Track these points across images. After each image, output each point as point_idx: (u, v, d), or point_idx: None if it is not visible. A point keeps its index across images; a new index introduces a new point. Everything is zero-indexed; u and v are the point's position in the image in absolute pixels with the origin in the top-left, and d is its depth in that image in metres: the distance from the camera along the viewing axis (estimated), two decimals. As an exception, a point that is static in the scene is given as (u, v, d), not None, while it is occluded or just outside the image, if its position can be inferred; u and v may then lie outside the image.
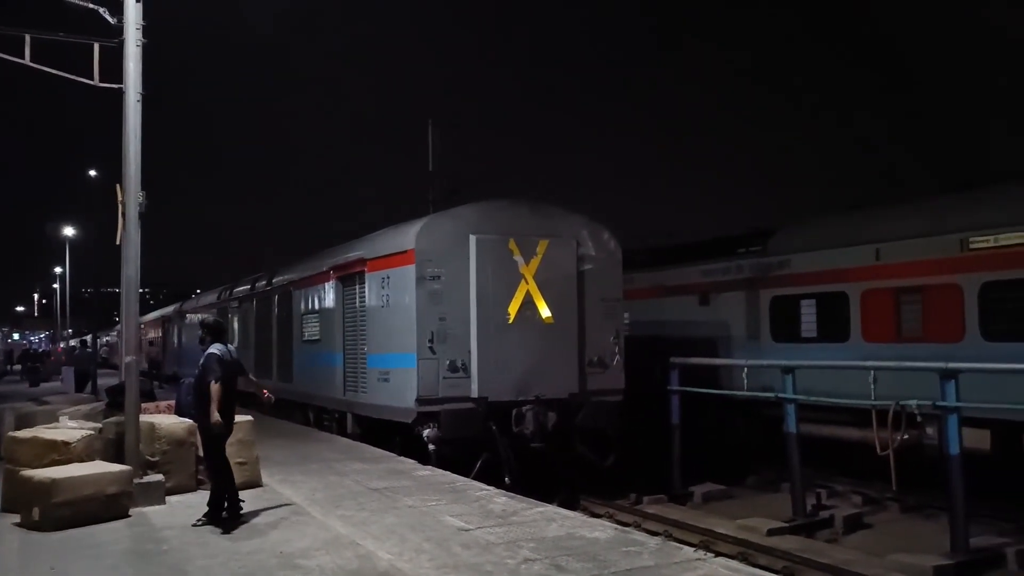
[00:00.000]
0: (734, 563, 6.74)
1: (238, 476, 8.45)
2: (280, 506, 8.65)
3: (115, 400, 10.73)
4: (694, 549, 7.15)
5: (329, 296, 15.41)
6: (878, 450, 9.99)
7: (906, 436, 10.37)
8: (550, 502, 9.94)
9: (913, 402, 9.68)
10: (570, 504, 11.80)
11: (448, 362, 11.88)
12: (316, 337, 16.11)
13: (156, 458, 9.25)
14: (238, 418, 8.71)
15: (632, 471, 13.44)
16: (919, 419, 10.09)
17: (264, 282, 20.40)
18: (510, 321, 12.17)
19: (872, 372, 10.37)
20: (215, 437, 8.06)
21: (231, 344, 8.73)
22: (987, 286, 11.04)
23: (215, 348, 8.20)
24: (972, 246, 11.24)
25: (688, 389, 13.41)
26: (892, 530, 11.16)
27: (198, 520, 7.90)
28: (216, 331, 8.56)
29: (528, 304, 12.30)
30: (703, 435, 14.44)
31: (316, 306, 16.23)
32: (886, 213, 13.28)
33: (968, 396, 9.50)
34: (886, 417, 9.83)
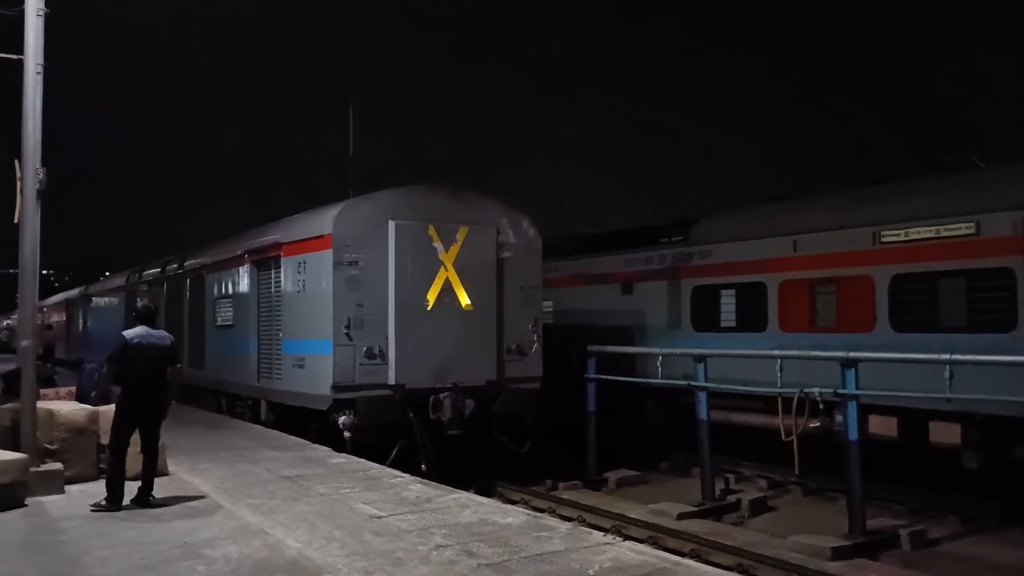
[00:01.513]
0: (641, 546, 6.89)
1: (144, 465, 8.18)
2: (187, 495, 8.41)
3: (11, 386, 10.24)
4: (604, 533, 7.28)
5: (243, 280, 15.04)
6: (783, 436, 10.36)
7: (816, 424, 10.80)
8: (467, 489, 9.96)
9: (816, 390, 10.06)
10: (486, 491, 11.86)
11: (365, 349, 11.75)
12: (229, 322, 15.71)
13: (55, 446, 8.87)
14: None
15: (549, 458, 13.59)
16: (821, 407, 10.50)
17: (175, 265, 19.77)
18: (429, 308, 12.12)
19: (779, 361, 10.75)
20: (117, 422, 7.82)
21: (161, 330, 8.43)
22: (897, 278, 11.51)
23: (127, 331, 7.98)
24: (884, 239, 11.69)
25: (603, 377, 13.61)
26: (794, 512, 11.60)
27: (95, 504, 7.68)
28: (140, 315, 8.33)
29: (447, 291, 12.27)
30: (620, 422, 14.68)
31: (229, 290, 15.82)
32: (804, 205, 13.69)
33: (876, 385, 9.91)
34: (789, 404, 10.20)
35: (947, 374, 8.87)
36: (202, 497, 8.34)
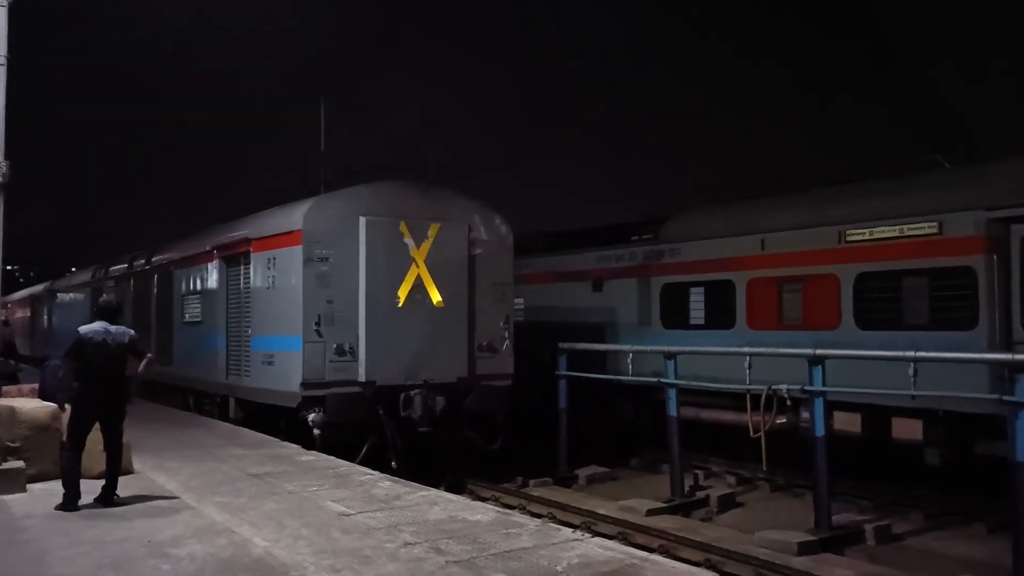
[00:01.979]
0: (609, 542, 6.92)
1: (107, 463, 8.06)
2: (152, 493, 8.30)
3: (-28, 383, 10.05)
4: (572, 530, 7.29)
5: (212, 276, 14.87)
6: (751, 432, 10.47)
7: (783, 420, 10.91)
8: (437, 486, 9.94)
9: (783, 387, 10.17)
10: (457, 488, 11.85)
11: (335, 345, 11.68)
12: (198, 319, 15.53)
13: (17, 444, 8.70)
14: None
15: (520, 455, 13.61)
16: (789, 403, 10.62)
17: (143, 260, 19.50)
18: (400, 305, 12.07)
19: (748, 358, 10.84)
20: (72, 420, 7.70)
21: (121, 325, 8.27)
22: (861, 276, 11.66)
23: (84, 327, 7.87)
24: (849, 238, 11.83)
25: (575, 374, 13.65)
26: (762, 508, 11.73)
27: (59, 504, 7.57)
28: (100, 310, 8.19)
29: (418, 288, 12.23)
30: (591, 419, 14.73)
31: (198, 286, 15.63)
32: (771, 204, 13.82)
33: (841, 381, 10.03)
34: (758, 401, 10.30)
35: (911, 371, 9.00)
36: (168, 496, 8.23)
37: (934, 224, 10.82)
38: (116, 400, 7.95)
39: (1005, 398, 8.31)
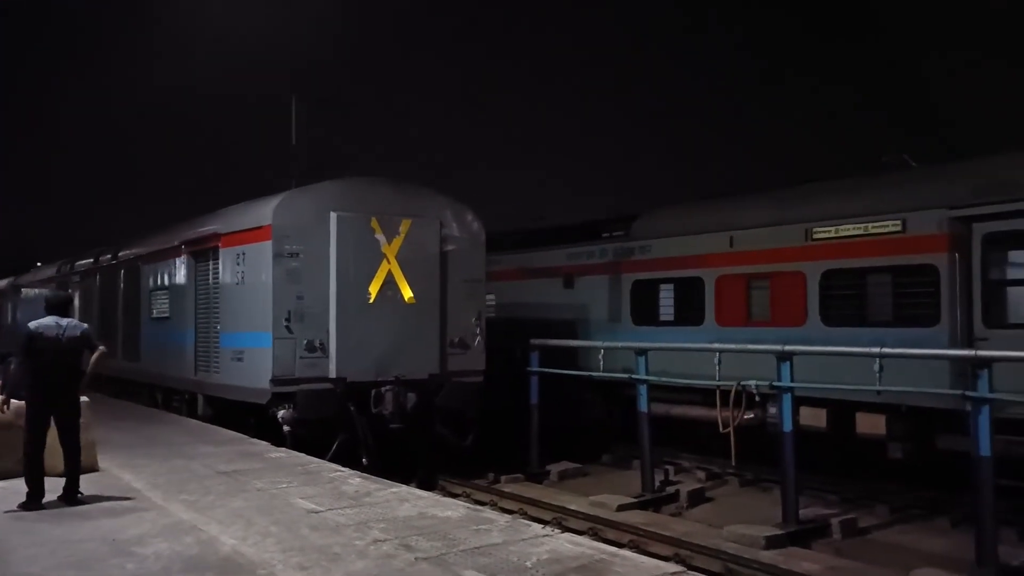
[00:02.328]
0: (579, 538, 6.94)
1: (66, 460, 7.93)
2: (117, 491, 8.19)
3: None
4: (542, 526, 7.32)
5: (180, 272, 14.69)
6: (720, 428, 10.56)
7: (751, 415, 11.02)
8: (408, 483, 9.92)
9: (752, 382, 10.27)
10: (428, 484, 11.82)
11: (305, 342, 11.59)
12: (166, 314, 15.34)
13: (-23, 442, 8.54)
14: (72, 399, 8.17)
15: (491, 451, 13.61)
16: (757, 399, 10.72)
17: (109, 256, 19.22)
18: (371, 301, 12.00)
19: (718, 354, 10.93)
20: (27, 417, 7.58)
21: (72, 319, 8.13)
22: (827, 274, 11.80)
23: (33, 322, 7.75)
24: (815, 236, 11.96)
25: (546, 370, 13.68)
26: (731, 503, 11.83)
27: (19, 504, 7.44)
28: (50, 304, 8.04)
29: (390, 284, 12.17)
30: (562, 415, 14.77)
31: (166, 282, 15.44)
32: (740, 202, 13.93)
33: (807, 377, 10.15)
34: (727, 396, 10.40)
35: (877, 367, 9.13)
36: (134, 494, 8.13)
37: (898, 222, 10.98)
38: (70, 395, 7.81)
39: (968, 393, 8.45)
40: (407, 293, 12.26)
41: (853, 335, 10.93)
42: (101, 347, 8.09)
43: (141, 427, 12.74)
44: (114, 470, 9.27)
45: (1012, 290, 10.08)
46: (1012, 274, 10.12)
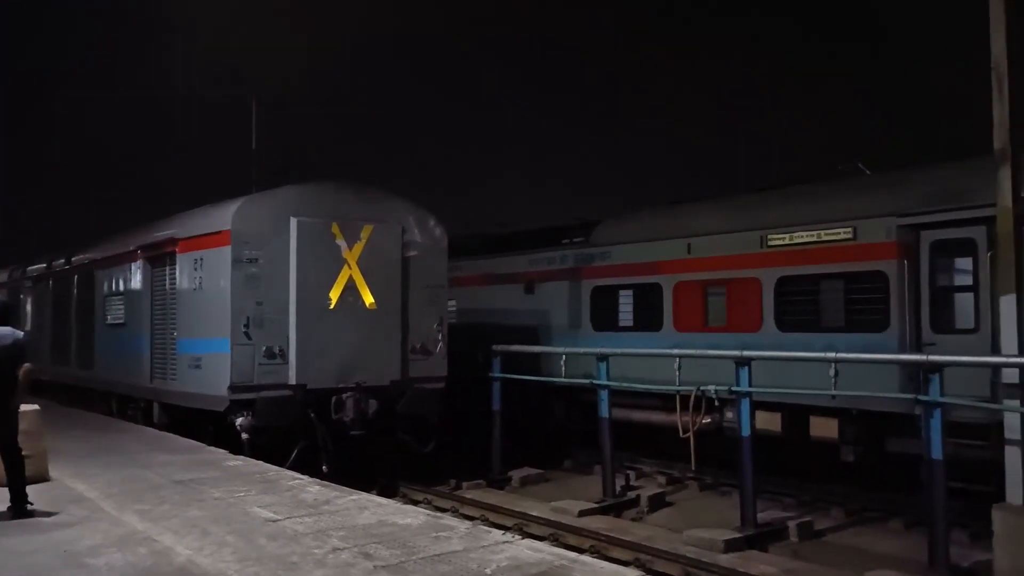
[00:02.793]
0: (539, 544, 6.95)
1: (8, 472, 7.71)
2: (70, 502, 8.02)
3: None
4: (503, 532, 7.31)
5: (136, 277, 14.44)
6: (680, 432, 10.65)
7: (708, 420, 11.13)
8: (369, 490, 9.85)
9: (712, 387, 10.38)
10: (389, 491, 11.76)
11: (265, 348, 11.46)
12: (121, 321, 15.06)
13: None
14: (22, 407, 7.96)
15: (453, 457, 13.57)
16: (717, 403, 10.85)
17: (63, 261, 18.81)
18: (331, 307, 11.91)
19: (677, 360, 11.04)
20: None
21: (8, 327, 7.87)
22: (782, 280, 11.98)
23: None
24: (770, 243, 12.14)
25: (508, 376, 13.68)
26: (691, 507, 11.93)
27: None
28: None
29: (351, 289, 12.09)
30: (524, 421, 14.79)
31: (121, 287, 15.16)
32: (697, 209, 14.10)
33: (763, 382, 10.29)
34: (687, 401, 10.50)
35: (832, 372, 9.28)
36: (86, 504, 7.96)
37: (849, 230, 11.22)
38: (4, 405, 7.58)
39: (920, 397, 8.64)
40: (368, 299, 12.19)
41: (807, 340, 11.14)
42: (27, 364, 7.76)
43: (95, 436, 12.48)
44: (66, 480, 9.07)
45: (958, 296, 10.36)
46: (958, 280, 10.40)
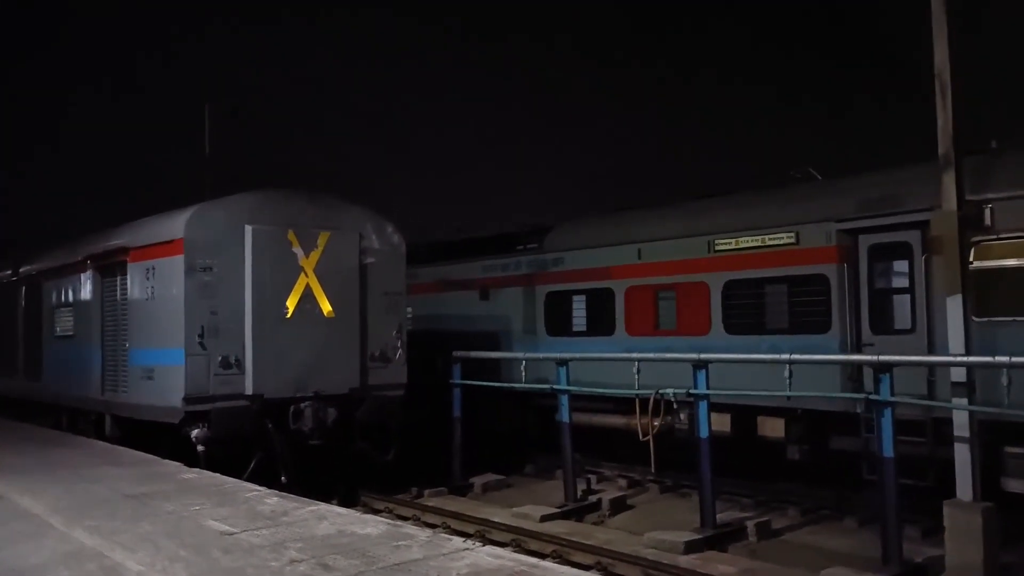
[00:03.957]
0: (500, 550, 6.92)
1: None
2: (16, 517, 7.78)
3: None
4: (463, 539, 7.27)
5: (86, 287, 14.10)
6: (640, 436, 10.71)
7: (659, 422, 11.25)
8: (329, 500, 9.73)
9: (670, 390, 10.48)
10: (350, 501, 11.65)
11: (220, 358, 11.26)
12: (70, 332, 14.70)
13: None
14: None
15: (414, 464, 13.48)
16: (675, 407, 10.95)
17: (8, 271, 18.31)
18: (288, 315, 11.76)
19: (636, 364, 11.13)
20: None
21: None
22: (728, 284, 12.20)
23: None
24: (717, 248, 12.37)
25: (469, 382, 13.65)
26: (652, 510, 12.01)
27: None
28: None
29: (308, 297, 11.95)
30: (484, 427, 14.76)
31: (70, 298, 14.79)
32: (647, 215, 14.25)
33: (713, 384, 10.44)
34: (646, 405, 10.58)
35: (787, 373, 9.43)
36: (34, 520, 7.72)
37: (792, 234, 11.47)
38: None
39: (872, 396, 8.80)
40: (326, 307, 12.06)
41: (753, 343, 11.41)
42: None
43: (43, 450, 12.14)
44: (13, 496, 8.80)
45: (896, 298, 10.66)
46: (895, 283, 10.70)
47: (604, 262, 14.00)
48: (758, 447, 11.77)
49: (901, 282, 10.54)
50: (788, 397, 9.50)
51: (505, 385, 13.82)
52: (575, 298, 14.57)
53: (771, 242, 11.66)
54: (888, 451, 8.55)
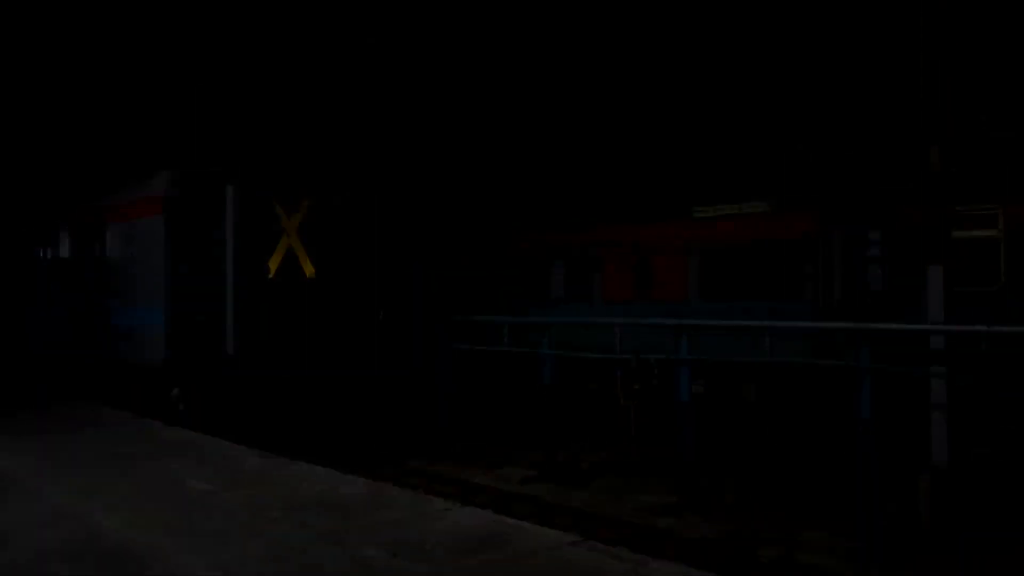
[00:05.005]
0: (480, 511, 6.95)
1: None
2: (-3, 478, 7.75)
3: None
4: (444, 500, 7.30)
5: (64, 246, 13.96)
6: (621, 400, 10.77)
7: (638, 388, 11.34)
8: (313, 461, 9.71)
9: (652, 356, 10.52)
10: (334, 462, 11.65)
11: (201, 317, 11.21)
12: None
13: None
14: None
15: (398, 427, 13.50)
16: (656, 371, 11.00)
17: None
18: (270, 276, 11.69)
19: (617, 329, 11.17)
20: None
21: None
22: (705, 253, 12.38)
23: None
24: (696, 216, 12.47)
25: (460, 346, 13.64)
26: (632, 473, 12.09)
27: None
28: None
29: (290, 259, 11.88)
30: (472, 392, 14.79)
31: (49, 256, 14.65)
32: None
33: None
34: (628, 369, 10.64)
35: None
36: (9, 479, 7.70)
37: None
38: None
39: (854, 364, 8.84)
40: (308, 269, 11.99)
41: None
42: None
43: (18, 412, 12.08)
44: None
45: None
46: None
47: None
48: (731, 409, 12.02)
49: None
50: (769, 361, 9.58)
51: (498, 349, 13.68)
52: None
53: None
54: (866, 413, 8.62)
